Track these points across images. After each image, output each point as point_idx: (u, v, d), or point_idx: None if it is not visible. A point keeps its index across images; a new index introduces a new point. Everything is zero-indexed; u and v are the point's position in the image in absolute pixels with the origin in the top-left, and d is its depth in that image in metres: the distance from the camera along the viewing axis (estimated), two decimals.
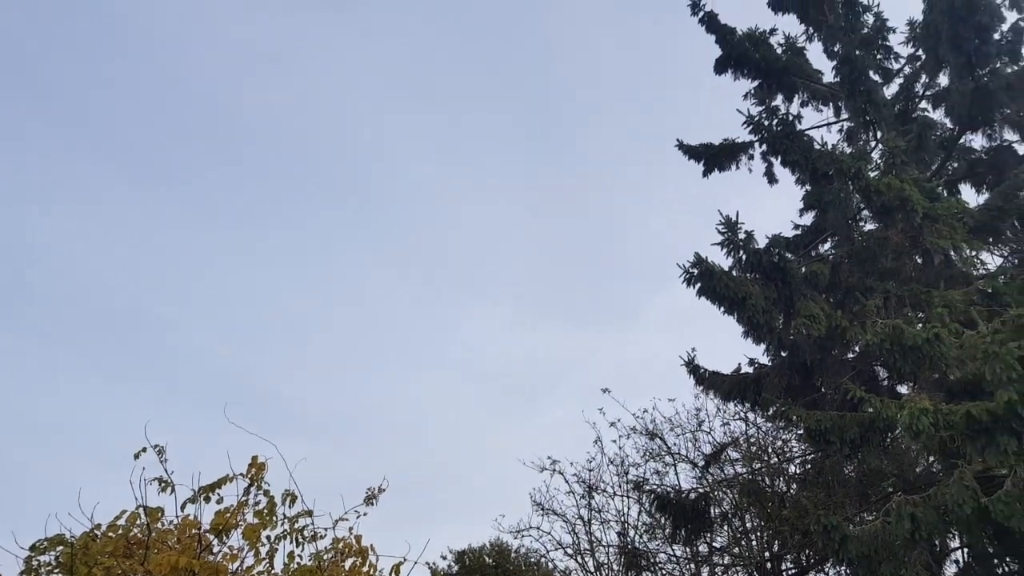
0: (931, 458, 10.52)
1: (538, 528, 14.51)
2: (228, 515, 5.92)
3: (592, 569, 13.94)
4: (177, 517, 6.05)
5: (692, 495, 12.20)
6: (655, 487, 12.87)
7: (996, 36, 11.92)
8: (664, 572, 13.57)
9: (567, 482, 14.44)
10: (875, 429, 9.00)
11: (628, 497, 13.91)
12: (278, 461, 5.95)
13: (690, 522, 11.81)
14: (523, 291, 39.33)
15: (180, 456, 6.09)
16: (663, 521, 12.35)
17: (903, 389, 11.19)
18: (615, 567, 13.77)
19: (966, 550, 9.92)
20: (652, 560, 13.49)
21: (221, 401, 6.11)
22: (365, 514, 6.17)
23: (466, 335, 36.95)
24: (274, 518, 6.03)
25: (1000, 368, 7.76)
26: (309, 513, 6.09)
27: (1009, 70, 11.93)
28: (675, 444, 14.11)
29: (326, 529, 6.12)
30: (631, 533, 13.79)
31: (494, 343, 36.45)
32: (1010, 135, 12.40)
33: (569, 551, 14.20)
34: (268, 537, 6.03)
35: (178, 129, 34.68)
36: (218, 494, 6.03)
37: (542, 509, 14.51)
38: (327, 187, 38.38)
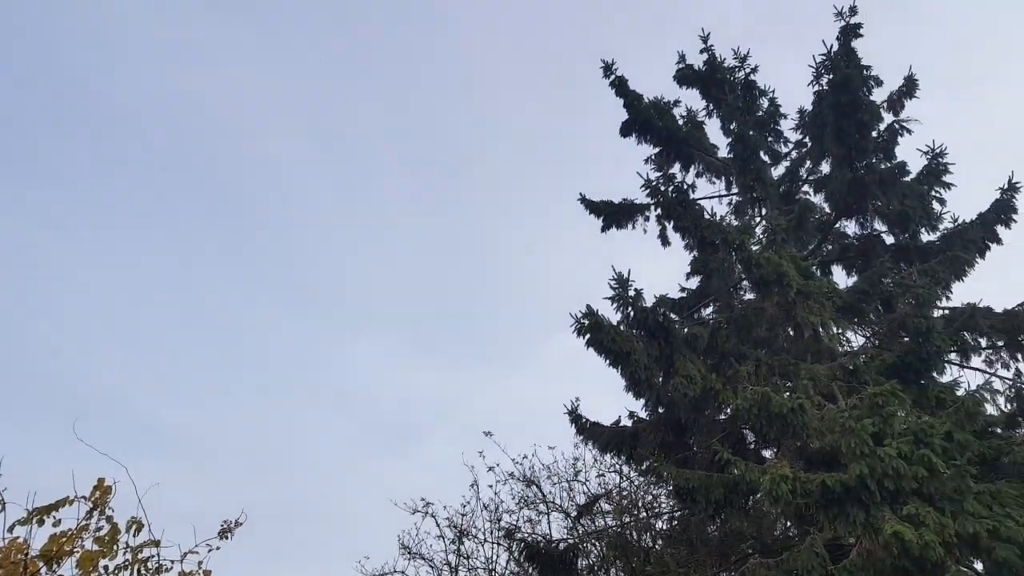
0: (788, 523, 11.02)
1: (403, 573, 14.12)
2: (63, 540, 5.41)
3: None
4: (3, 540, 5.48)
5: (561, 545, 12.23)
6: (527, 535, 12.84)
7: (874, 134, 13.02)
8: None
9: (438, 526, 14.16)
10: (738, 491, 9.34)
11: (499, 544, 13.79)
12: (128, 485, 5.52)
13: (557, 573, 11.80)
14: (414, 327, 39.01)
15: (18, 473, 5.55)
16: (531, 571, 12.29)
17: (768, 454, 11.69)
18: None
19: None
20: None
21: (71, 416, 5.64)
22: (218, 548, 5.78)
23: (352, 367, 36.16)
24: (115, 547, 5.55)
25: (855, 442, 8.27)
26: (156, 543, 5.64)
27: (883, 166, 13.01)
28: (551, 492, 14.18)
29: (172, 562, 5.68)
30: None
31: (380, 377, 35.83)
32: (879, 225, 13.44)
33: None
34: (106, 567, 5.54)
35: (47, 122, 32.80)
36: (55, 517, 5.49)
37: (409, 553, 14.12)
38: (211, 202, 37.16)
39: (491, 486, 14.34)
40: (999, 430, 10.42)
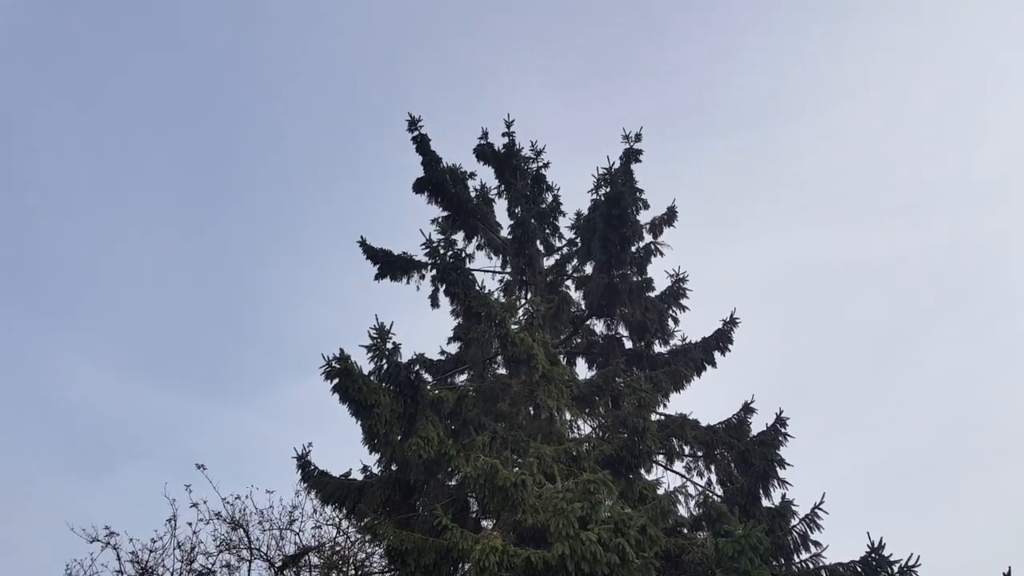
0: None
1: None
2: None
3: None
4: None
5: None
6: None
7: (633, 249, 14.39)
8: None
9: (119, 559, 12.67)
10: (450, 558, 9.44)
11: None
12: None
13: None
14: (143, 343, 35.74)
15: None
16: None
17: (487, 524, 11.98)
18: None
19: None
20: None
21: None
22: None
23: (60, 370, 32.04)
24: None
25: (563, 524, 8.77)
26: None
27: (635, 279, 14.38)
28: (259, 539, 13.31)
29: None
30: None
31: (92, 389, 32.08)
32: (623, 330, 14.73)
33: None
34: None
35: None
36: None
37: None
38: None
39: (191, 524, 13.12)
40: (686, 530, 11.67)
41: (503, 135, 16.06)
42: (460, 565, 9.87)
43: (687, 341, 14.06)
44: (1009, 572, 9.37)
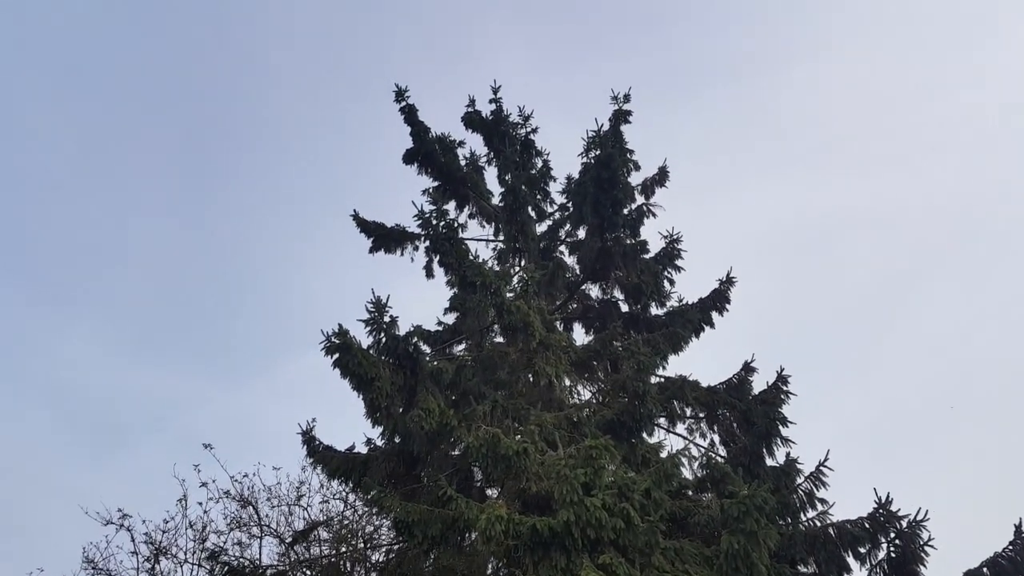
0: (499, 564, 11.42)
1: None
2: None
3: None
4: None
5: (269, 572, 11.62)
6: (233, 559, 12.01)
7: (626, 211, 14.30)
8: None
9: (133, 541, 12.80)
10: (456, 528, 9.53)
11: (200, 566, 12.77)
12: None
13: None
14: (141, 321, 35.67)
15: None
16: None
17: (492, 493, 12.09)
18: None
19: None
20: None
21: None
22: None
23: (58, 351, 31.98)
24: None
25: (567, 490, 8.83)
26: None
27: (628, 241, 14.33)
28: (268, 516, 13.45)
29: None
30: None
31: (91, 369, 32.06)
32: (618, 294, 14.70)
33: None
34: None
35: None
36: None
37: (94, 568, 12.61)
38: None
39: (201, 503, 13.25)
40: (690, 492, 11.75)
41: (490, 102, 15.84)
42: (467, 534, 9.99)
43: (684, 302, 14.03)
44: (1021, 523, 9.29)
